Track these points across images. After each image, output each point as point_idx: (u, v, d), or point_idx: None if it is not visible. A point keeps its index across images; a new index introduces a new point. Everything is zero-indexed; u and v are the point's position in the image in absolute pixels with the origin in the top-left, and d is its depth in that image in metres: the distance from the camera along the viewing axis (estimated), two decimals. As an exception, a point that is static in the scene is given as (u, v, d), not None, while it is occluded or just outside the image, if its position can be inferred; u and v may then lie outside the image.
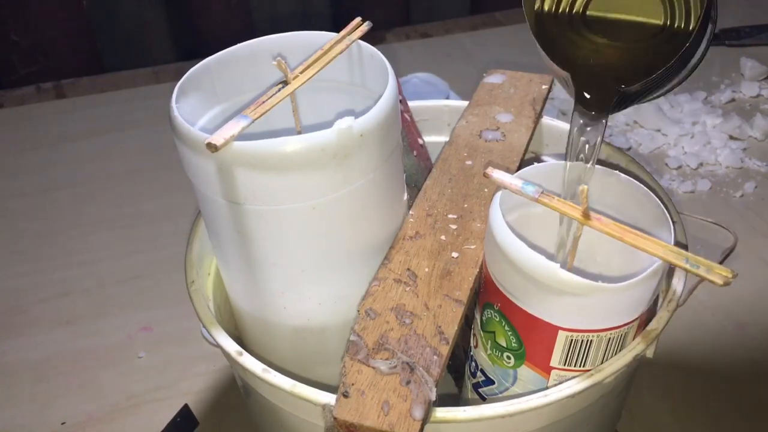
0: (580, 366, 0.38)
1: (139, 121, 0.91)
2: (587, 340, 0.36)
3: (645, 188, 0.39)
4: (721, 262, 0.38)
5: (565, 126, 0.54)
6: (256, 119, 0.37)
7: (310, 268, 0.41)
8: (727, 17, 0.99)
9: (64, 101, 0.97)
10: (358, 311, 0.40)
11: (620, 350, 0.38)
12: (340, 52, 0.42)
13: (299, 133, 0.42)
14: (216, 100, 0.44)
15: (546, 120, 0.55)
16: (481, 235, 0.43)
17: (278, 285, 0.42)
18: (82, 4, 1.00)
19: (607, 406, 0.42)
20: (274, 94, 0.39)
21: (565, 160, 0.40)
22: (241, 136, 0.36)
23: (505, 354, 0.39)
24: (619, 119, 0.86)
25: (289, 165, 0.36)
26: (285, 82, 0.40)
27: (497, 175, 0.38)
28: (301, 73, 0.40)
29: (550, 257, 0.35)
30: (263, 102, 0.38)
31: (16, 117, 0.94)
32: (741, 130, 0.83)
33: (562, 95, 0.90)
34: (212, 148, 0.35)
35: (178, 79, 0.41)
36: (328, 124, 0.37)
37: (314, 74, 0.41)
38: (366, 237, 0.42)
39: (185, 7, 1.04)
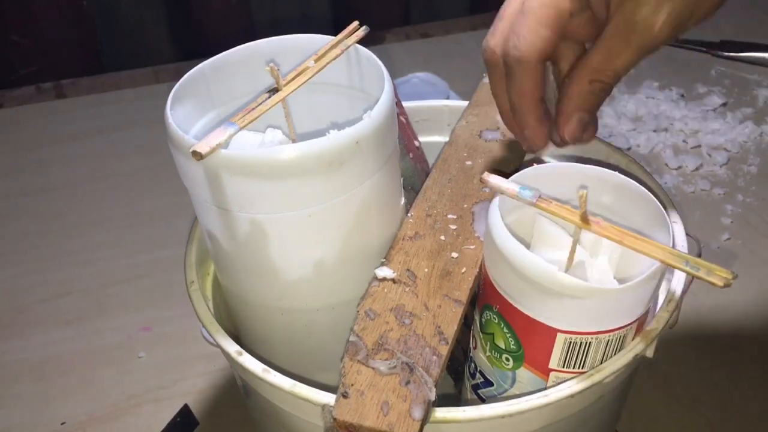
0: (578, 368, 0.38)
1: (139, 121, 0.91)
2: (586, 343, 0.36)
3: (644, 189, 0.39)
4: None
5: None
6: (243, 127, 0.37)
7: (307, 275, 0.41)
8: (726, 29, 0.99)
9: (64, 101, 0.97)
10: (358, 312, 0.40)
11: (619, 352, 0.38)
12: (334, 58, 0.42)
13: (293, 140, 0.41)
14: (212, 104, 0.44)
15: (546, 120, 0.55)
16: (480, 236, 0.44)
17: (275, 292, 0.42)
18: (82, 4, 1.00)
19: (606, 406, 0.42)
20: (264, 101, 0.39)
21: None
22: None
23: (504, 356, 0.39)
24: (619, 120, 0.86)
25: (284, 173, 0.36)
26: (276, 89, 0.40)
27: (494, 180, 0.37)
28: (294, 78, 0.40)
29: (549, 259, 0.35)
30: (252, 109, 0.38)
31: (16, 117, 0.94)
32: (740, 131, 0.83)
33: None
34: (197, 156, 0.35)
35: (178, 79, 0.41)
36: (326, 128, 0.37)
37: (306, 81, 0.40)
38: (364, 243, 0.42)
39: (185, 6, 1.04)
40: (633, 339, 0.38)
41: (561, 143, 0.40)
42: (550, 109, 0.40)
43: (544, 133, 0.41)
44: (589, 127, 0.39)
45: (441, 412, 0.35)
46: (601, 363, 0.37)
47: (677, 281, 0.41)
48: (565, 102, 0.38)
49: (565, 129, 0.39)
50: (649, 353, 0.40)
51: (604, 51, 0.36)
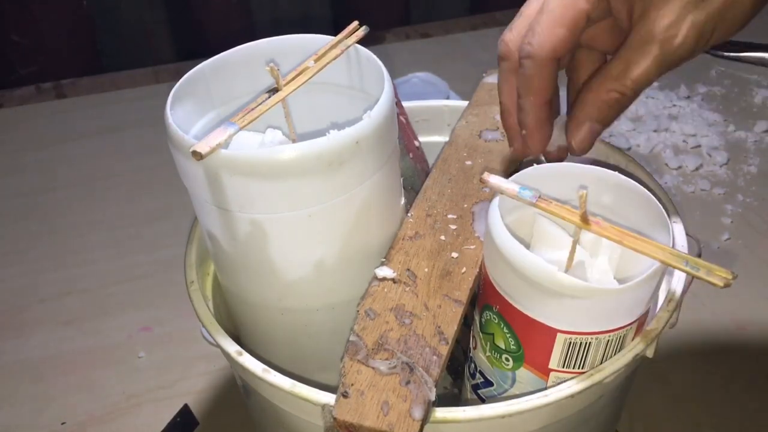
0: (578, 368, 0.38)
1: (139, 121, 0.91)
2: (586, 343, 0.36)
3: (644, 189, 0.39)
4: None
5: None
6: (243, 127, 0.37)
7: (307, 276, 0.41)
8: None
9: (64, 101, 0.97)
10: (358, 311, 0.40)
11: (619, 352, 0.38)
12: (334, 58, 0.42)
13: (294, 140, 0.41)
14: (212, 105, 0.44)
15: (546, 120, 0.55)
16: (480, 236, 0.44)
17: (275, 292, 0.42)
18: (82, 4, 1.00)
19: (607, 406, 0.42)
20: (264, 101, 0.39)
21: None
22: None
23: (504, 356, 0.39)
24: (619, 119, 0.86)
25: (284, 173, 0.36)
26: (276, 89, 0.40)
27: (494, 180, 0.37)
28: (294, 78, 0.40)
29: (549, 259, 0.35)
30: (252, 109, 0.38)
31: (16, 117, 0.94)
32: (739, 131, 0.83)
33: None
34: (197, 156, 0.35)
35: (178, 79, 0.41)
36: (326, 128, 0.37)
37: (306, 81, 0.40)
38: (364, 243, 0.42)
39: (185, 6, 1.04)
40: (633, 339, 0.38)
41: (555, 153, 0.40)
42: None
43: (543, 137, 0.41)
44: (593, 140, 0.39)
45: (441, 412, 0.35)
46: (601, 363, 0.37)
47: (677, 281, 0.41)
48: (579, 109, 0.38)
49: (575, 136, 0.39)
50: (649, 353, 0.40)
51: (624, 61, 0.36)
